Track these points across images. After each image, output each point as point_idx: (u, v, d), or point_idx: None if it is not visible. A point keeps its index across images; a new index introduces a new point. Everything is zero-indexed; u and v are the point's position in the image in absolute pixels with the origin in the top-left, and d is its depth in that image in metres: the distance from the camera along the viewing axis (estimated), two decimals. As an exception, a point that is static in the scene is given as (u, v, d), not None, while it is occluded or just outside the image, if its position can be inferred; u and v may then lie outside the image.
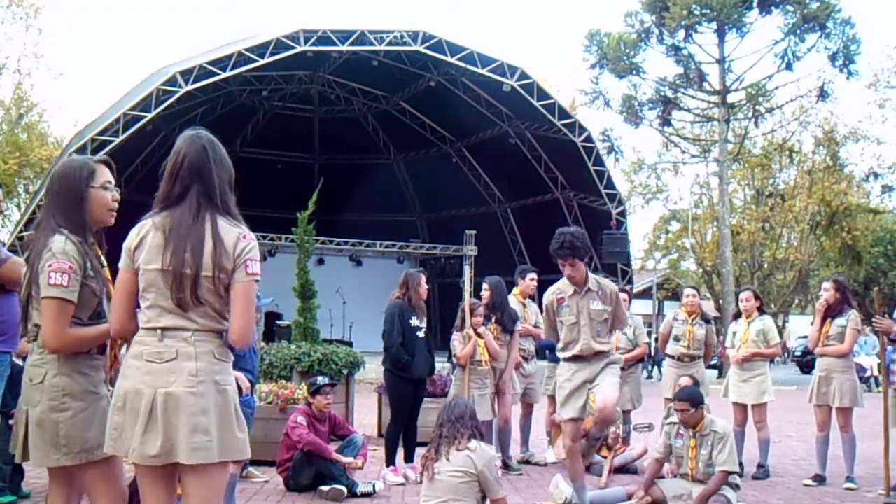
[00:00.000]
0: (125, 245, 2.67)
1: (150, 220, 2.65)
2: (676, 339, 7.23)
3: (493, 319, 6.90)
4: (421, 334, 6.41)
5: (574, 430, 5.18)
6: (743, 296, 7.26)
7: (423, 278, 6.57)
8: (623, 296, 7.37)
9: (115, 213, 3.05)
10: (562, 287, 5.25)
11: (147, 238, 2.62)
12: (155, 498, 2.64)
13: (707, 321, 7.23)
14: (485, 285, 7.04)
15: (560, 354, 5.32)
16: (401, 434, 6.45)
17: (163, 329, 2.57)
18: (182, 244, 2.56)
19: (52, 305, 2.75)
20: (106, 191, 3.00)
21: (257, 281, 2.62)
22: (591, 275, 5.24)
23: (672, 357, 7.30)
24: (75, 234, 2.87)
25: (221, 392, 2.57)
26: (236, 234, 2.61)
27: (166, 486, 2.65)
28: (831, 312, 6.55)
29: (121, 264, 2.68)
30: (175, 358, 2.54)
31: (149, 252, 2.60)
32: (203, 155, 2.66)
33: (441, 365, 10.31)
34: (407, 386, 6.39)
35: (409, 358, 6.28)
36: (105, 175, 3.01)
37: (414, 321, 6.36)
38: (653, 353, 20.37)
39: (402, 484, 6.09)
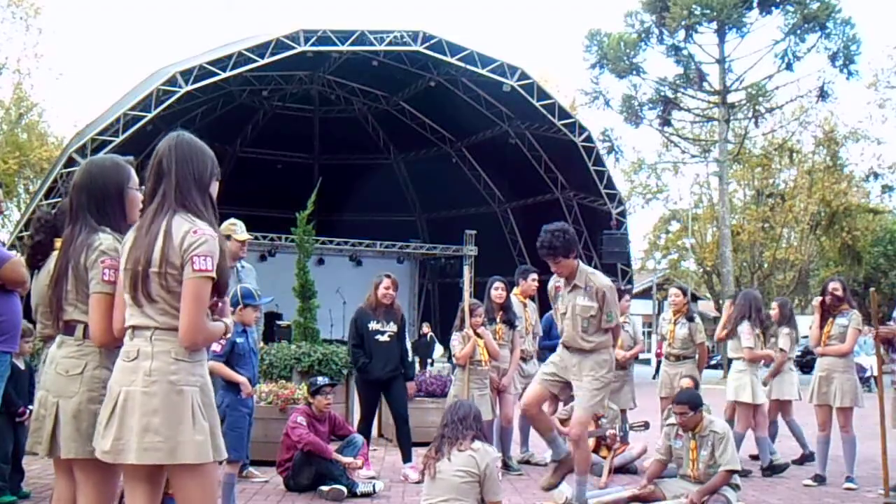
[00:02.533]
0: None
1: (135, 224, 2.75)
2: (663, 338, 7.32)
3: (499, 319, 6.91)
4: (382, 338, 6.34)
5: (532, 398, 5.35)
6: (773, 304, 7.66)
7: (385, 281, 6.43)
8: (625, 297, 7.45)
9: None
10: (559, 277, 5.39)
11: (127, 240, 2.72)
12: (133, 497, 2.67)
13: (690, 319, 7.25)
14: (500, 284, 7.01)
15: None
16: (369, 430, 6.54)
17: (133, 328, 2.63)
18: (140, 242, 2.62)
19: (105, 300, 2.81)
20: (138, 192, 3.09)
21: (210, 278, 2.57)
22: (583, 269, 5.24)
23: (664, 356, 7.39)
24: (116, 231, 2.95)
25: (178, 392, 2.56)
26: (186, 229, 2.59)
27: (146, 486, 2.66)
28: (832, 312, 6.57)
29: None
30: (137, 357, 2.59)
31: (123, 254, 2.70)
32: (168, 155, 2.69)
33: (442, 365, 10.30)
34: (367, 386, 6.46)
35: (366, 360, 6.31)
36: (135, 177, 3.10)
37: (373, 325, 6.35)
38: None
39: (373, 478, 6.10)
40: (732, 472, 5.41)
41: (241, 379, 5.19)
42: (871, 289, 6.93)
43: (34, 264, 3.53)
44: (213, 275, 2.58)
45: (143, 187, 3.15)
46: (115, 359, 2.90)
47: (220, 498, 4.25)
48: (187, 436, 2.54)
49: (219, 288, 2.66)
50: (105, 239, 2.89)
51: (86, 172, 3.03)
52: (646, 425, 7.31)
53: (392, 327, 6.42)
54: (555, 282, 5.42)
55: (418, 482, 5.99)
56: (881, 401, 6.08)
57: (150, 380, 2.55)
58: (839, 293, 6.57)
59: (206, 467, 2.61)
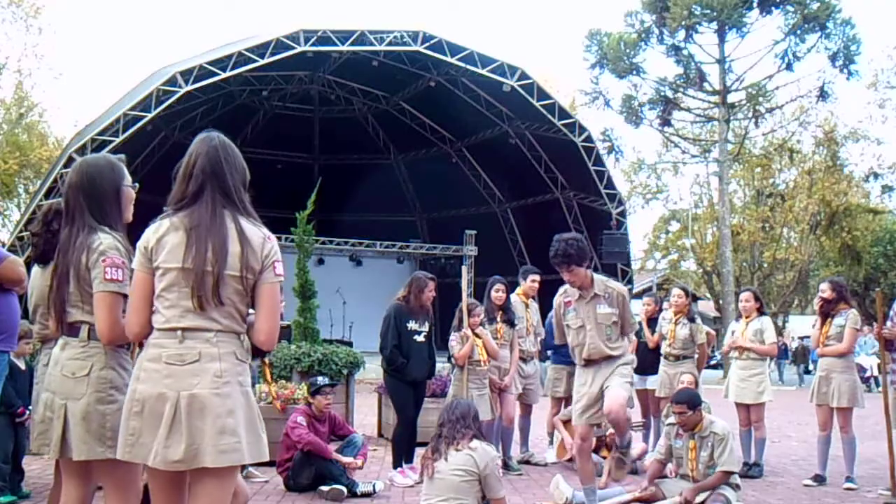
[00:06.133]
0: (140, 245, 2.64)
1: (167, 219, 2.63)
2: (664, 338, 7.31)
3: (500, 319, 6.91)
4: (419, 338, 6.38)
5: (585, 430, 5.13)
6: (743, 296, 7.33)
7: (431, 285, 6.45)
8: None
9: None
10: (569, 290, 5.20)
11: (167, 237, 2.59)
12: (170, 500, 2.62)
13: (692, 320, 7.26)
14: (500, 286, 7.02)
15: (574, 359, 5.29)
16: (407, 436, 6.44)
17: (184, 330, 2.53)
18: (203, 243, 2.55)
19: (109, 299, 2.81)
20: (132, 189, 3.11)
21: (282, 282, 2.66)
22: (597, 278, 5.17)
23: (662, 356, 7.37)
24: (114, 230, 2.95)
25: (245, 393, 2.57)
26: (262, 236, 2.64)
27: (180, 490, 2.63)
28: (830, 312, 6.57)
29: (135, 264, 2.65)
30: (198, 360, 2.51)
31: (169, 251, 2.57)
32: (216, 155, 2.68)
33: (441, 365, 10.30)
34: (405, 387, 6.39)
35: (404, 360, 6.28)
36: (128, 175, 3.12)
37: (412, 325, 6.34)
38: None
39: (412, 486, 6.05)
40: (729, 473, 5.40)
41: None
42: (878, 290, 6.91)
43: (46, 258, 3.52)
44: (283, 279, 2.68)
45: (136, 185, 3.17)
46: (121, 359, 2.91)
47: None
48: (259, 435, 2.58)
49: None
50: (105, 238, 2.89)
51: (81, 172, 3.02)
52: (644, 424, 7.33)
53: (426, 327, 6.45)
54: (563, 297, 5.23)
55: (415, 484, 5.99)
56: (886, 401, 6.06)
57: (222, 381, 2.50)
58: (825, 295, 6.59)
59: (237, 469, 2.63)
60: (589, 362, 5.10)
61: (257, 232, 2.63)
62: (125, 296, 2.80)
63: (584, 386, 5.10)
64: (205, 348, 2.52)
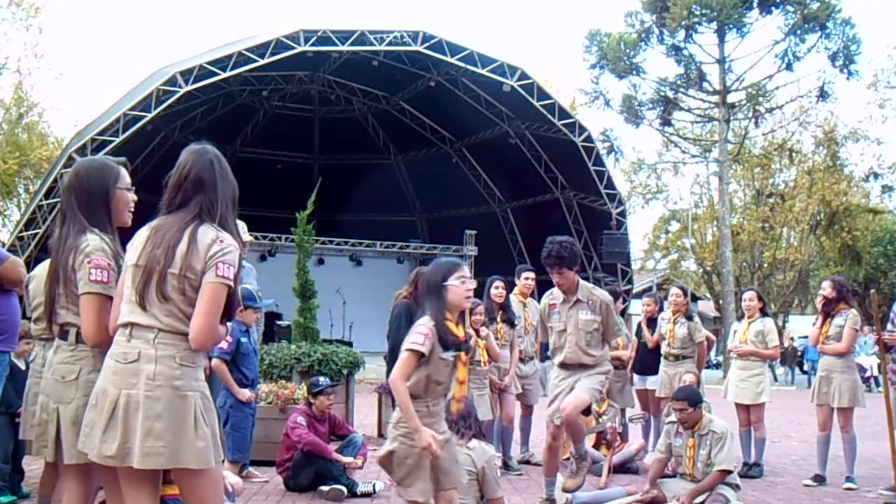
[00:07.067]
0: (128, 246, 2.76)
1: (148, 223, 2.73)
2: (663, 338, 7.32)
3: (500, 318, 6.92)
4: None
5: (556, 429, 5.23)
6: (746, 296, 7.36)
7: None
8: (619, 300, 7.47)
9: (131, 214, 3.14)
10: (555, 293, 5.35)
11: (138, 238, 2.70)
12: (134, 499, 2.64)
13: (689, 318, 7.26)
14: (500, 283, 7.03)
15: (552, 358, 5.43)
16: None
17: (132, 326, 2.59)
18: (158, 243, 2.61)
19: (95, 301, 2.82)
20: (128, 192, 3.10)
21: (229, 286, 2.60)
22: (583, 284, 5.25)
23: (662, 356, 7.38)
24: (104, 232, 2.95)
25: (181, 397, 2.56)
26: (212, 238, 2.62)
27: (148, 488, 2.65)
28: (831, 311, 6.57)
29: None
30: (137, 360, 2.55)
31: (133, 249, 2.68)
32: (210, 169, 2.71)
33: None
34: None
35: None
36: (126, 177, 3.11)
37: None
38: None
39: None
40: (726, 472, 5.40)
41: (240, 390, 5.31)
42: (872, 290, 6.91)
43: None
44: (232, 283, 2.61)
45: (134, 188, 3.17)
46: None
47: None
48: (189, 441, 2.54)
49: (231, 300, 2.65)
50: (92, 240, 2.89)
51: (74, 174, 3.05)
52: (643, 416, 7.36)
53: None
54: (549, 299, 5.39)
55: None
56: (888, 402, 6.06)
57: (154, 384, 2.52)
58: (826, 293, 6.61)
59: (212, 469, 2.62)
60: (565, 366, 5.24)
61: (210, 234, 2.62)
62: (111, 298, 2.81)
63: (557, 388, 5.24)
64: (145, 349, 2.56)
